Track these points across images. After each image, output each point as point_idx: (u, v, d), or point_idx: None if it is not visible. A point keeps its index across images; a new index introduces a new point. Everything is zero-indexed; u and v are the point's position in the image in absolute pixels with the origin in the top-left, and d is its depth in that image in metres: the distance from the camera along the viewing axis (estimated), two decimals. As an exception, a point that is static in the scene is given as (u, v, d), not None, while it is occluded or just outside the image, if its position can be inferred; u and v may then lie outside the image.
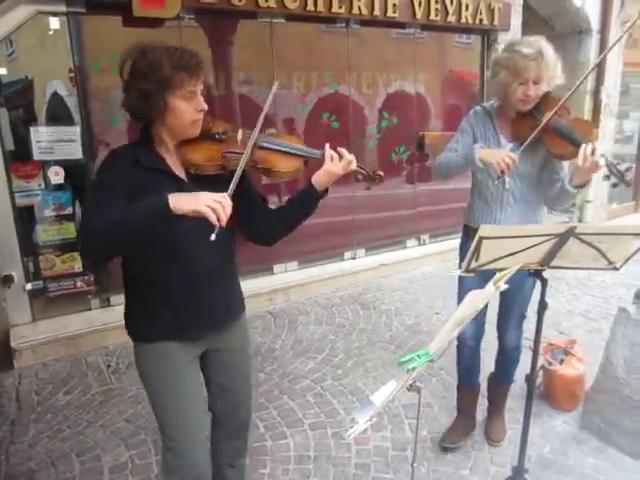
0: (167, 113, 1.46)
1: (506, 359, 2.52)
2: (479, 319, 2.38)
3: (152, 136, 1.55)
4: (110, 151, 1.57)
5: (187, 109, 1.47)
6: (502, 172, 2.00)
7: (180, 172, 1.56)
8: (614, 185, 1.97)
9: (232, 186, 1.40)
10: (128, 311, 1.68)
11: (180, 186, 1.51)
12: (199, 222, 1.31)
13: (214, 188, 1.49)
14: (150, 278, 1.57)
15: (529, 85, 2.05)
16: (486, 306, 2.27)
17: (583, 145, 1.90)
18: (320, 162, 1.61)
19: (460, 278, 2.38)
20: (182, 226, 1.42)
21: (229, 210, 1.33)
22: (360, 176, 1.67)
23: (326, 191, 1.65)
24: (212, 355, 1.75)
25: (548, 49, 2.05)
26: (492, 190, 2.26)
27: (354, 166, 1.61)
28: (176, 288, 1.57)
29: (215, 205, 1.30)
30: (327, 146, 1.61)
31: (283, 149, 1.61)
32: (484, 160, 2.06)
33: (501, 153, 2.03)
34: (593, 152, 1.86)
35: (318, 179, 1.62)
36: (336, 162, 1.58)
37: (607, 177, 1.96)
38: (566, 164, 2.24)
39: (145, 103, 1.44)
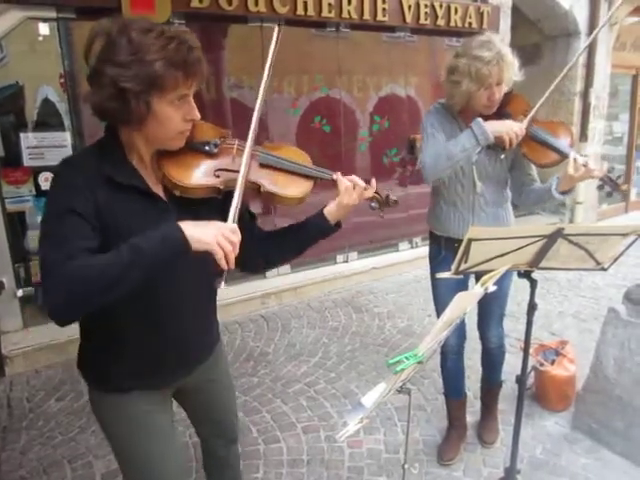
0: (148, 119, 1.13)
1: (491, 359, 2.52)
2: (460, 323, 2.37)
3: (121, 141, 1.20)
4: (62, 162, 1.17)
5: (174, 116, 1.16)
6: (510, 145, 1.90)
7: (158, 189, 1.24)
8: (609, 194, 1.92)
9: (233, 212, 1.14)
10: (82, 352, 1.38)
11: (159, 208, 1.21)
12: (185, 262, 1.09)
13: (201, 210, 1.24)
14: (113, 323, 1.25)
15: (493, 89, 1.96)
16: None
17: (572, 155, 1.86)
18: (329, 184, 1.38)
19: (435, 285, 2.36)
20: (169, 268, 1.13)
21: (238, 247, 1.10)
22: (374, 203, 1.45)
23: (339, 225, 1.42)
24: (187, 394, 1.53)
25: (505, 48, 1.95)
26: (461, 195, 2.17)
27: (370, 193, 1.39)
28: (143, 335, 1.28)
29: (228, 247, 1.07)
30: (339, 175, 1.37)
31: (289, 168, 1.32)
32: (497, 132, 1.91)
33: (509, 123, 1.92)
34: (586, 163, 1.83)
35: (332, 213, 1.38)
36: (350, 192, 1.35)
37: (601, 187, 1.92)
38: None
39: (121, 103, 1.09)
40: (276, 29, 1.29)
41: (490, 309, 2.38)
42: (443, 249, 2.27)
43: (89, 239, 1.10)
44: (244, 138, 1.28)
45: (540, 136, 2.00)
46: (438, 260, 2.30)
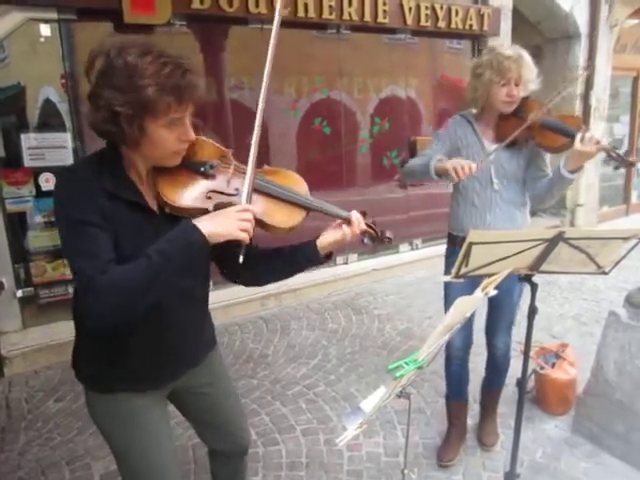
0: (142, 140, 1.15)
1: (496, 366, 2.53)
2: (467, 328, 2.39)
3: (121, 155, 1.22)
4: (65, 172, 1.20)
5: (169, 138, 1.17)
6: (458, 177, 1.99)
7: (153, 204, 1.26)
8: (616, 167, 2.04)
9: (246, 194, 1.18)
10: (77, 353, 1.39)
11: (154, 222, 1.24)
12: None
13: None
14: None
15: (512, 85, 2.11)
16: (473, 316, 2.29)
17: (579, 133, 1.94)
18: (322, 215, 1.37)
19: (446, 286, 2.39)
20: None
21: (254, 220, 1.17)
22: (367, 240, 1.44)
23: (329, 256, 1.43)
24: (188, 396, 1.54)
25: (525, 53, 2.13)
26: (479, 192, 2.27)
27: (363, 225, 1.39)
28: (140, 337, 1.30)
29: (247, 225, 1.14)
30: (353, 215, 1.38)
31: (283, 197, 1.30)
32: (438, 169, 2.08)
33: (460, 160, 2.04)
34: (591, 137, 1.91)
35: (324, 245, 1.38)
36: (347, 231, 1.37)
37: (608, 161, 2.03)
38: (549, 160, 2.27)
39: (114, 127, 1.12)
40: (277, 12, 1.28)
41: (499, 317, 2.41)
42: (458, 248, 2.30)
43: (111, 250, 1.15)
44: (245, 142, 1.27)
45: (550, 122, 2.12)
46: (452, 260, 2.32)
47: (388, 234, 1.44)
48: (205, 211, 1.21)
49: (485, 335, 2.50)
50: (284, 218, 1.28)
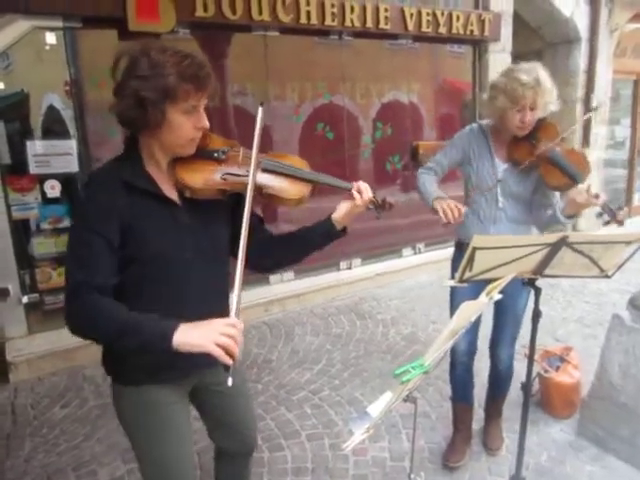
0: (163, 126, 1.28)
1: (499, 377, 2.54)
2: (472, 335, 2.40)
3: (139, 150, 1.35)
4: (88, 181, 1.34)
5: (185, 125, 1.29)
6: (447, 220, 2.03)
7: (172, 194, 1.38)
8: (606, 223, 2.01)
9: (236, 306, 1.20)
10: (105, 348, 1.48)
11: (173, 211, 1.36)
12: (204, 268, 1.30)
13: (212, 212, 1.42)
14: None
15: (526, 112, 2.07)
16: (479, 322, 2.30)
17: (580, 185, 1.97)
18: (329, 189, 1.49)
19: (452, 291, 2.40)
20: (189, 270, 1.36)
21: (241, 337, 1.16)
22: (371, 206, 1.53)
23: (345, 230, 1.53)
24: (204, 392, 1.60)
25: (545, 76, 2.07)
26: (485, 208, 2.28)
27: (370, 192, 1.49)
28: None
29: (226, 342, 1.12)
30: (354, 184, 1.48)
31: (289, 172, 1.44)
32: (435, 208, 2.12)
33: (451, 203, 2.06)
34: (588, 189, 1.92)
35: (339, 219, 1.49)
36: (357, 197, 1.46)
37: (600, 214, 2.00)
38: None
39: (140, 111, 1.24)
40: (260, 109, 1.40)
41: (504, 329, 2.41)
42: (465, 254, 2.33)
43: (109, 273, 1.26)
44: (249, 144, 1.38)
45: (558, 160, 2.10)
46: (458, 264, 2.34)
47: (389, 199, 1.55)
48: (223, 191, 1.38)
49: (489, 348, 2.51)
50: (292, 191, 1.42)
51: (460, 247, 2.41)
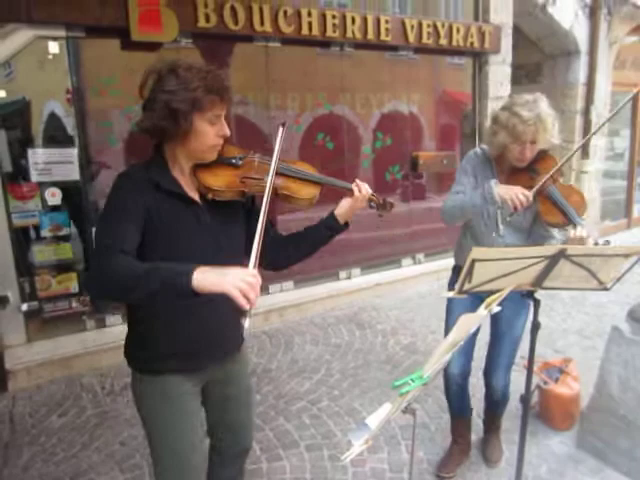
0: (190, 134, 1.42)
1: (493, 404, 2.52)
2: (465, 358, 2.37)
3: (165, 157, 1.49)
4: (122, 174, 1.48)
5: (209, 132, 1.44)
6: (515, 209, 2.00)
7: (194, 195, 1.52)
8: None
9: (254, 259, 1.27)
10: (129, 339, 1.60)
11: (195, 210, 1.49)
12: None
13: (229, 213, 1.57)
14: (155, 307, 1.48)
15: (526, 146, 2.07)
16: (472, 345, 2.30)
17: (578, 226, 2.00)
18: (332, 189, 1.66)
19: (449, 306, 2.38)
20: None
21: (259, 288, 1.20)
22: (373, 204, 1.70)
23: (347, 225, 1.69)
24: (212, 388, 1.69)
25: (546, 111, 2.04)
26: (484, 234, 2.27)
27: (369, 189, 1.66)
28: (181, 319, 1.50)
29: (245, 287, 1.16)
30: (355, 184, 1.66)
31: (300, 176, 1.62)
32: (502, 196, 2.03)
33: (515, 189, 2.01)
34: (581, 238, 1.95)
35: (341, 214, 1.67)
36: (362, 198, 1.64)
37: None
38: None
39: (172, 122, 1.38)
40: (281, 129, 1.57)
41: (499, 356, 2.38)
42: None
43: (133, 242, 1.36)
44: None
45: (556, 198, 2.12)
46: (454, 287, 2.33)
47: (389, 199, 1.71)
48: (242, 192, 1.53)
49: (484, 376, 2.48)
50: (304, 191, 1.60)
51: (458, 272, 2.37)
